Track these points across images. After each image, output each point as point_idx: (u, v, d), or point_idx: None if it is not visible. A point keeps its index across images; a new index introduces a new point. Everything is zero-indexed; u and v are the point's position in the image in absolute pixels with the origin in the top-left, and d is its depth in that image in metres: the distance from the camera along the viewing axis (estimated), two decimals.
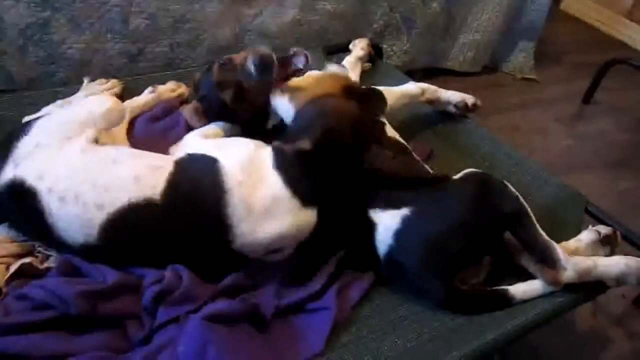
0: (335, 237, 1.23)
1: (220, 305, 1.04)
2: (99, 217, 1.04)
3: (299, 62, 1.33)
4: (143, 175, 1.08)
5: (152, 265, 1.10)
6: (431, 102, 1.67)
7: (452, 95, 1.69)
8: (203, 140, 1.29)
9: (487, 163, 1.62)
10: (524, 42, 2.83)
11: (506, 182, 1.23)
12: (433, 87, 1.65)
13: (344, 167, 1.18)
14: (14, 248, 1.14)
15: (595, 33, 3.53)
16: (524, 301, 1.21)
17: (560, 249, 1.19)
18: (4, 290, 1.08)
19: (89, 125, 1.17)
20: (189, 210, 1.09)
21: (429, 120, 1.78)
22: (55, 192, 1.04)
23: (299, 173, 1.13)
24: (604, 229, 1.32)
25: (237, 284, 1.13)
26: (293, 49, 1.34)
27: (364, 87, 1.47)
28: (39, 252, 1.14)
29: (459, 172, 1.28)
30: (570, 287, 1.22)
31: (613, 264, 1.22)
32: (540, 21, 2.76)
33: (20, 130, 1.15)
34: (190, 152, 1.20)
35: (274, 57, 1.30)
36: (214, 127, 1.36)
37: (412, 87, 1.60)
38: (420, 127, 1.73)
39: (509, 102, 2.68)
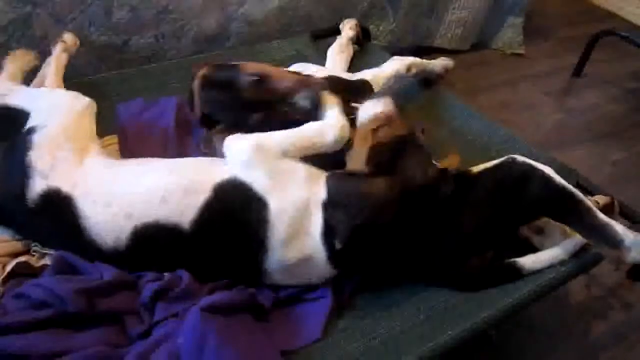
0: None
1: (219, 296, 1.04)
2: (127, 226, 1.06)
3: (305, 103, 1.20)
4: (172, 197, 1.07)
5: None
6: (418, 74, 1.67)
7: (435, 65, 1.73)
8: (255, 159, 1.10)
9: (478, 141, 1.63)
10: (512, 17, 2.81)
11: (545, 170, 1.17)
12: (418, 60, 1.67)
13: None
14: (9, 247, 1.15)
15: (582, 4, 3.51)
16: (533, 272, 1.22)
17: (621, 227, 1.17)
18: (0, 289, 1.08)
19: (86, 130, 1.20)
20: (219, 247, 1.09)
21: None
22: (89, 197, 1.07)
23: (346, 247, 1.10)
24: (602, 199, 1.34)
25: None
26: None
27: (352, 78, 1.46)
28: (35, 250, 1.14)
29: (451, 151, 1.28)
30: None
31: None
32: None
33: (17, 146, 1.13)
34: (234, 172, 1.10)
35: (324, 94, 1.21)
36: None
37: (398, 65, 1.60)
38: (409, 108, 1.73)
39: (498, 79, 2.68)
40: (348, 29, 1.86)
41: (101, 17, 1.77)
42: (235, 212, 1.08)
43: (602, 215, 1.17)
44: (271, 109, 1.21)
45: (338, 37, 1.86)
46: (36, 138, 1.13)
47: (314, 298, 1.14)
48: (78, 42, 1.58)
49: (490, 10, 2.72)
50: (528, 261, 1.22)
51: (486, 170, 1.21)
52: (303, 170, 1.12)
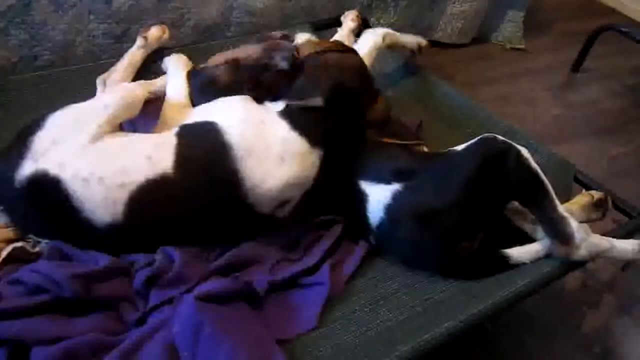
0: (330, 198, 1.26)
1: (213, 284, 1.05)
2: (121, 196, 1.09)
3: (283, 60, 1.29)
4: (152, 153, 1.13)
5: (175, 238, 1.14)
6: (390, 46, 1.69)
7: (407, 39, 1.75)
8: (187, 111, 1.29)
9: (477, 135, 1.61)
10: (513, 11, 2.80)
11: (522, 151, 1.19)
12: (391, 31, 1.67)
13: (353, 113, 1.27)
14: (5, 233, 1.15)
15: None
16: (522, 264, 1.23)
17: (576, 224, 1.18)
18: None
19: (103, 121, 1.17)
20: (201, 174, 1.14)
21: (417, 93, 1.78)
22: (78, 176, 1.08)
23: (307, 120, 1.20)
24: (596, 194, 1.35)
25: (229, 264, 1.14)
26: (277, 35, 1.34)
27: None
28: (29, 237, 1.14)
29: (449, 144, 1.28)
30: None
31: (628, 249, 1.23)
32: None
33: (35, 123, 1.15)
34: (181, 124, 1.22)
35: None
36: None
37: (374, 37, 1.62)
38: (408, 101, 1.73)
39: (498, 73, 2.68)
40: (349, 20, 1.85)
41: (101, 5, 1.76)
42: (200, 144, 1.16)
43: (561, 210, 1.19)
44: (256, 83, 1.28)
45: (339, 28, 1.85)
46: (50, 119, 1.15)
47: (311, 284, 1.15)
48: (166, 36, 1.57)
49: (492, 4, 2.72)
50: (514, 252, 1.23)
51: (468, 145, 1.23)
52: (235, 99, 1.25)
